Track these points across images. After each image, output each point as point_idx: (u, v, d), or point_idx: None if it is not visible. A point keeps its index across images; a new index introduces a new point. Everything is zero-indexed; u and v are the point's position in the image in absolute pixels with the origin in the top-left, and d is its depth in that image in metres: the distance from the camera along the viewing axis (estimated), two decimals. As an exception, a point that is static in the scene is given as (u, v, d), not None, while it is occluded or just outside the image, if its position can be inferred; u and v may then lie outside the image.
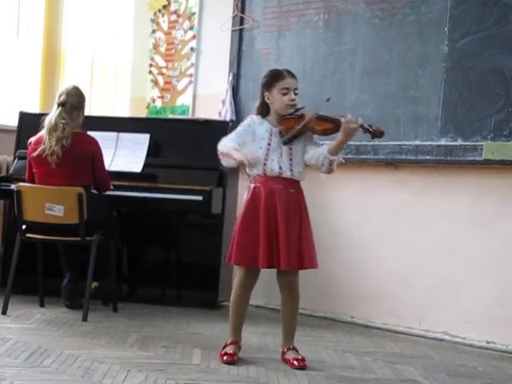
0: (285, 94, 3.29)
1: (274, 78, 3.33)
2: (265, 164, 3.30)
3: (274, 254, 3.25)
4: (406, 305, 4.32)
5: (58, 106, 4.20)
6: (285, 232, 3.25)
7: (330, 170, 3.30)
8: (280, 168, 3.30)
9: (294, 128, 3.27)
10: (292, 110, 3.32)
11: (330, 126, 3.28)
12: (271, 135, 3.32)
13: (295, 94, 3.31)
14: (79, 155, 4.18)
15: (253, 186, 3.34)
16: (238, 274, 3.41)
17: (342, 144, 3.27)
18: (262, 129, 3.33)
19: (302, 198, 3.37)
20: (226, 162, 3.29)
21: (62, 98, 4.21)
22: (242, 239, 3.31)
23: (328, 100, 3.31)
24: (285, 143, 3.30)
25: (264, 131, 3.32)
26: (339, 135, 3.24)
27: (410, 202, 4.36)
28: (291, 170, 3.31)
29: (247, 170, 3.35)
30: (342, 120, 3.22)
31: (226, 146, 3.24)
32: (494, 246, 4.04)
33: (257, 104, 3.40)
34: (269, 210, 3.27)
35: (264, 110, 3.37)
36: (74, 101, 4.24)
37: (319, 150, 3.30)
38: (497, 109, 3.97)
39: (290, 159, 3.31)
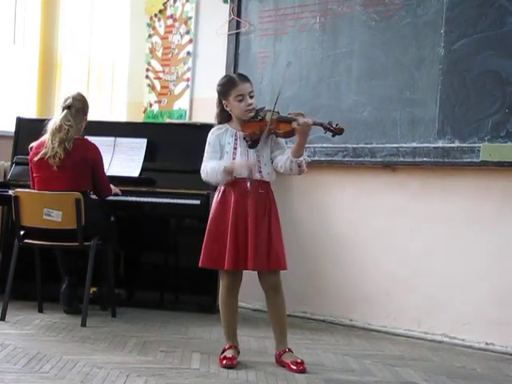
0: (241, 101, 3.30)
1: (227, 86, 3.34)
2: None
3: (240, 255, 3.27)
4: (405, 307, 4.32)
5: (64, 109, 4.23)
6: (254, 233, 3.27)
7: (300, 172, 3.32)
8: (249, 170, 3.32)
9: (257, 134, 3.29)
10: (252, 114, 3.33)
11: (290, 127, 3.27)
12: (236, 139, 3.35)
13: (251, 97, 3.32)
14: (80, 161, 4.19)
15: (223, 188, 3.37)
16: (221, 277, 3.43)
17: (301, 145, 3.26)
18: (227, 135, 3.36)
19: (271, 199, 3.38)
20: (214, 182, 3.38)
21: (68, 102, 4.24)
22: (209, 241, 3.35)
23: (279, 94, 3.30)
24: (251, 147, 3.33)
25: (229, 137, 3.36)
26: (296, 138, 3.25)
27: (408, 204, 4.36)
28: (260, 172, 3.34)
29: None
30: (296, 123, 3.21)
31: (208, 172, 3.32)
32: (492, 248, 4.04)
33: (217, 112, 3.43)
34: (239, 212, 3.29)
35: (225, 117, 3.40)
36: (79, 105, 4.27)
37: (284, 155, 3.31)
38: (493, 110, 3.98)
39: (258, 161, 3.33)
